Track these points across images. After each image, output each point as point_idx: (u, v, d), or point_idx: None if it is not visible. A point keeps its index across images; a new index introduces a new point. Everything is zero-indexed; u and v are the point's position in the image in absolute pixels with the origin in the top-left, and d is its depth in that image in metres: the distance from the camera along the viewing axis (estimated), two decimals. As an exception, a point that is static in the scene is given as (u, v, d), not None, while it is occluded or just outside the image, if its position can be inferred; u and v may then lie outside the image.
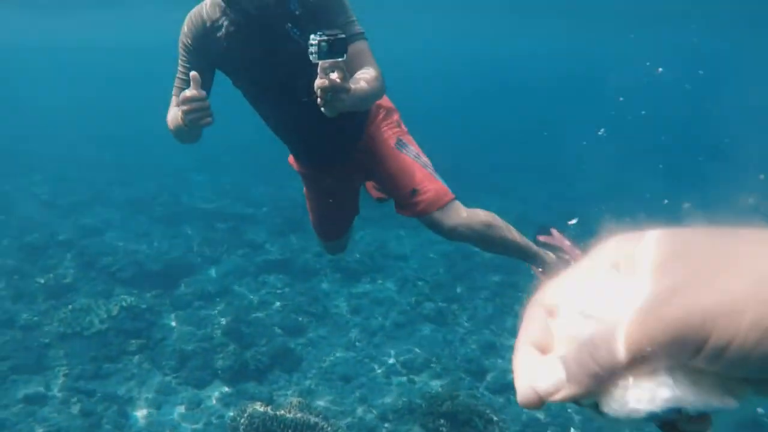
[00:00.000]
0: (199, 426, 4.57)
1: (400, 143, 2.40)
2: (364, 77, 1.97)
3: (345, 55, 1.65)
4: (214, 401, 4.84)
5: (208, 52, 2.15)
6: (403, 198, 2.34)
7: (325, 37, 1.62)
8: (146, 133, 9.39)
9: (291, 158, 2.64)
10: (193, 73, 1.80)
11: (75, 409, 4.58)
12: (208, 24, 2.11)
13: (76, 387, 4.81)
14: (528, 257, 2.46)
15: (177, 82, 2.21)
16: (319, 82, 1.63)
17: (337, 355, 5.54)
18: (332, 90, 1.63)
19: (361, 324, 6.07)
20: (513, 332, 6.13)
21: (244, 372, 5.10)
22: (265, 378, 5.13)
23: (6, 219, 8.40)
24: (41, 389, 4.72)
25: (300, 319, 5.98)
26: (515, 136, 16.50)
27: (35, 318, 5.65)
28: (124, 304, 5.74)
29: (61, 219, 8.47)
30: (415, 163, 2.37)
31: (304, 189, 2.75)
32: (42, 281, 6.26)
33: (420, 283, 7.09)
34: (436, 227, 2.31)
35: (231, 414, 4.46)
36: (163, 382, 4.97)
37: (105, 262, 6.85)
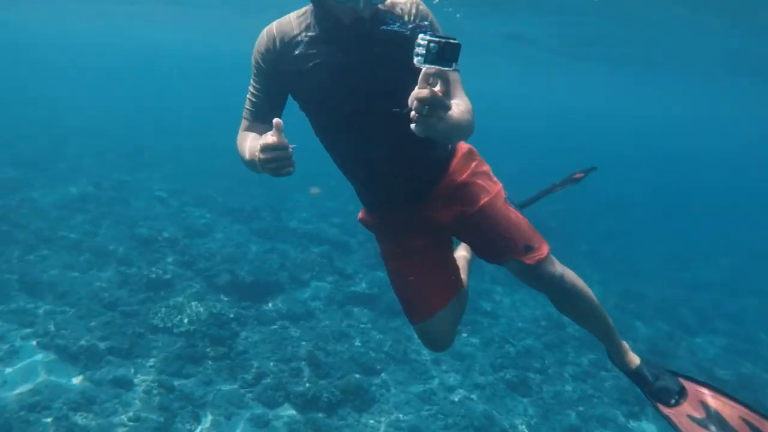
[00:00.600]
0: (264, 446, 4.72)
1: (507, 197, 2.36)
2: (459, 108, 1.82)
3: (454, 65, 1.48)
4: (281, 424, 4.99)
5: (282, 72, 2.03)
6: (512, 252, 2.28)
7: (437, 39, 1.45)
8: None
9: (361, 213, 2.50)
10: (276, 120, 1.65)
11: (154, 401, 4.93)
12: (286, 40, 2.00)
13: (159, 380, 5.18)
14: (607, 335, 2.43)
15: (247, 104, 2.13)
16: (417, 92, 1.47)
17: (411, 404, 5.52)
18: (432, 103, 1.47)
19: (440, 377, 6.02)
20: (601, 421, 5.79)
21: (315, 402, 5.22)
22: (335, 412, 5.22)
23: (123, 209, 9.34)
24: (129, 375, 5.14)
25: (379, 359, 6.05)
26: (624, 203, 15.79)
27: (134, 307, 6.18)
28: (213, 310, 6.13)
29: (170, 217, 9.26)
30: (524, 217, 2.37)
31: (381, 252, 2.47)
32: (145, 273, 6.86)
33: (506, 345, 6.92)
34: (538, 278, 2.29)
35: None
36: (237, 394, 5.22)
37: (203, 265, 7.39)
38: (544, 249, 2.31)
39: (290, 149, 1.65)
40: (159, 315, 5.98)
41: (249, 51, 2.09)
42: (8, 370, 4.95)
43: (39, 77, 28.26)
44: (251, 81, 2.09)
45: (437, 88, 1.47)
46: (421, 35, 1.47)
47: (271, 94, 2.08)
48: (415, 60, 1.48)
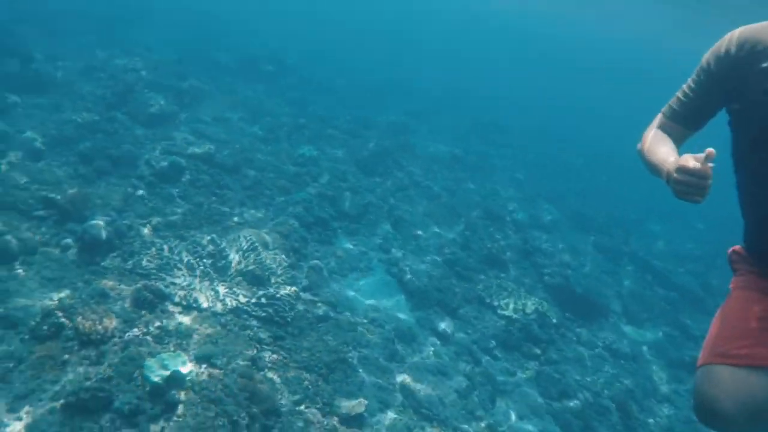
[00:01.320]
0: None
1: None
2: None
3: None
4: (569, 453, 4.86)
5: (732, 82, 1.86)
6: None
7: None
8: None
9: (737, 249, 2.15)
10: (710, 150, 1.56)
11: (461, 365, 5.34)
12: (755, 49, 1.80)
13: (470, 349, 5.58)
14: None
15: (674, 100, 2.05)
16: None
17: None
18: None
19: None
20: None
21: (613, 450, 4.92)
22: (631, 473, 4.83)
23: (482, 179, 10.13)
24: (447, 331, 5.66)
25: (702, 445, 5.31)
26: None
27: (469, 272, 6.71)
28: (540, 308, 6.24)
29: (520, 201, 9.67)
30: None
31: (734, 292, 2.05)
32: (487, 245, 7.36)
33: None
34: None
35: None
36: (535, 400, 5.26)
37: (539, 260, 7.55)
38: None
39: (709, 181, 1.58)
40: (489, 289, 6.38)
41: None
42: (363, 281, 6.00)
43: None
44: (690, 79, 2.01)
45: None
46: None
47: (706, 100, 1.98)
48: None
